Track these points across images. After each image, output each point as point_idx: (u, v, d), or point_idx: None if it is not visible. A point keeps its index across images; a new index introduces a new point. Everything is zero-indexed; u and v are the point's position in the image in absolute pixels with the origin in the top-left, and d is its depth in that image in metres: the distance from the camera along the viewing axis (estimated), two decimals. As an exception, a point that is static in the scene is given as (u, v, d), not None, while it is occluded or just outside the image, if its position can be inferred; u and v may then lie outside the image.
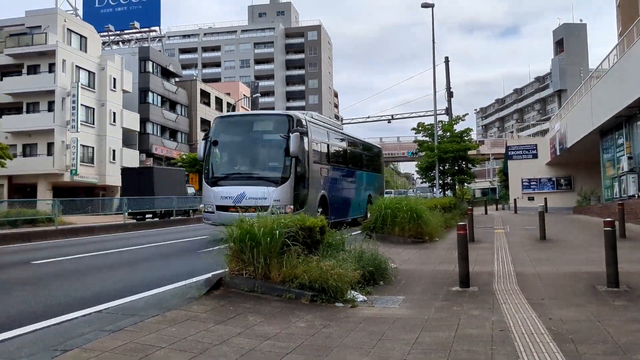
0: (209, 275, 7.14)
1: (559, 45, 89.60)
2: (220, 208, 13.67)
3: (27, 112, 39.69)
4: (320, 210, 14.77)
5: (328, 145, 17.02)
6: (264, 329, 5.01)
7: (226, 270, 6.77)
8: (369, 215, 19.68)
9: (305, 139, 14.28)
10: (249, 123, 15.09)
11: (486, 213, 30.74)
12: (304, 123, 14.55)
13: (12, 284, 7.99)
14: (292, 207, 12.92)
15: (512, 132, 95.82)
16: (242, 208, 12.51)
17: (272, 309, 5.80)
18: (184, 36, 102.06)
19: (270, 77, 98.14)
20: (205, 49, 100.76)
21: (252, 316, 5.47)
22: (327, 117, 20.02)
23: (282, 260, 6.46)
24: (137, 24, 54.93)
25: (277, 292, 6.30)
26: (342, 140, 19.36)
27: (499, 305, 6.02)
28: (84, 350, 4.16)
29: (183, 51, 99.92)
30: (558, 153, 32.52)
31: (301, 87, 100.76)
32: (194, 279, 7.59)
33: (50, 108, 38.63)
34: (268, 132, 14.47)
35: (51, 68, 38.53)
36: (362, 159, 21.72)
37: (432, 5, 29.42)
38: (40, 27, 39.27)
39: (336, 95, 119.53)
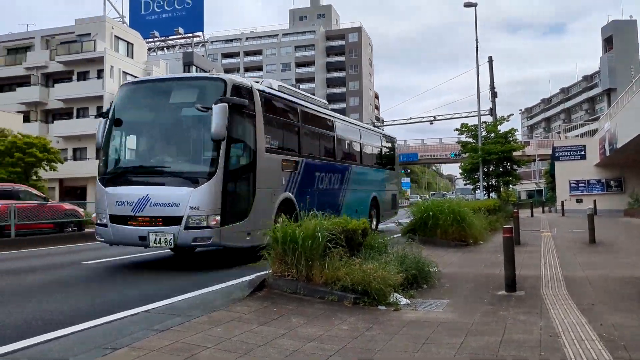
0: (253, 276, 7.23)
1: (607, 42, 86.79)
2: (115, 219, 9.42)
3: (77, 117, 41.09)
4: (281, 220, 9.96)
5: (299, 128, 12.43)
6: (307, 330, 5.02)
7: (269, 271, 6.83)
8: (374, 222, 16.54)
9: (253, 116, 10.01)
10: (164, 92, 10.31)
11: (532, 215, 30.06)
12: (249, 91, 10.08)
13: (64, 283, 8.27)
14: (218, 218, 8.86)
15: (558, 132, 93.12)
16: (144, 219, 9.11)
17: (315, 310, 5.82)
18: (227, 41, 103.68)
19: (311, 79, 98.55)
20: (247, 53, 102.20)
21: (295, 318, 5.50)
22: (302, 91, 14.61)
23: (324, 263, 6.48)
24: (181, 30, 56.00)
25: (320, 294, 6.31)
26: (326, 123, 14.23)
27: (547, 310, 5.87)
28: (133, 348, 4.28)
29: (226, 55, 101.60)
30: (608, 154, 31.41)
31: (342, 90, 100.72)
32: (238, 280, 7.71)
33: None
34: (189, 104, 9.66)
35: (99, 74, 39.80)
36: (362, 150, 16.87)
37: (475, 5, 29.06)
38: (89, 34, 40.64)
39: (377, 97, 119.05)
